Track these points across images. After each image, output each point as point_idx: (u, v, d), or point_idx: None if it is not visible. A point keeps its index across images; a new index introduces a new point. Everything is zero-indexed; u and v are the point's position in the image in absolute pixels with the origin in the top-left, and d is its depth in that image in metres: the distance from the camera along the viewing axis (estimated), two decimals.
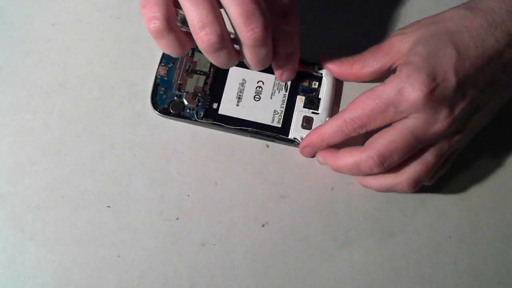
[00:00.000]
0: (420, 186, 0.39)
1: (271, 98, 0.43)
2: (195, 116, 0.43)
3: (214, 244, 0.41)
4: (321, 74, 0.44)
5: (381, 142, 0.36)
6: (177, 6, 0.34)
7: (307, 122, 0.42)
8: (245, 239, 0.42)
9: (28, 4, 0.47)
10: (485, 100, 0.37)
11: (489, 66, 0.36)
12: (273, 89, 0.43)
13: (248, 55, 0.36)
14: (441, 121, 0.35)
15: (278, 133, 0.43)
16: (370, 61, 0.41)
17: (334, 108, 0.44)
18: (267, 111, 0.43)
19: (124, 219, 0.42)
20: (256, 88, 0.43)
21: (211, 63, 0.44)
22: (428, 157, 0.38)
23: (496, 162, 0.44)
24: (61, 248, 0.41)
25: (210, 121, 0.43)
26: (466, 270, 0.41)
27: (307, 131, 0.42)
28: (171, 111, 0.43)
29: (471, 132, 0.39)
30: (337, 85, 0.44)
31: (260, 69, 0.39)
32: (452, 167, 0.43)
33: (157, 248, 0.41)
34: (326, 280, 0.41)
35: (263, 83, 0.44)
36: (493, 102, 0.38)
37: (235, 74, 0.44)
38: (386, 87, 0.36)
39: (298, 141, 0.42)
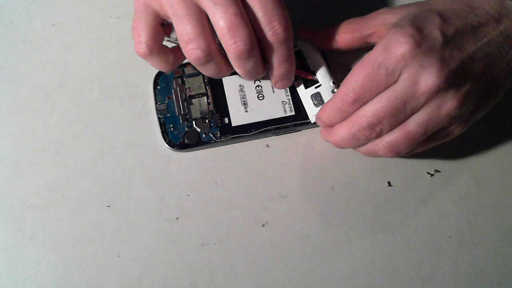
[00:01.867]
0: (401, 154, 0.38)
1: (273, 91, 0.43)
2: (214, 138, 0.42)
3: (214, 244, 0.41)
4: (298, 48, 0.43)
5: (370, 109, 0.36)
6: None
7: (316, 99, 0.42)
8: (245, 239, 0.42)
9: (28, 4, 0.47)
10: (476, 73, 0.37)
11: (474, 35, 0.37)
12: (271, 83, 0.44)
13: (236, 67, 0.38)
14: (428, 78, 0.35)
15: (297, 120, 0.43)
16: (350, 27, 0.41)
17: (335, 67, 0.44)
18: (275, 105, 0.43)
19: (124, 219, 0.42)
20: (256, 87, 0.44)
21: (204, 83, 0.44)
22: (410, 125, 0.37)
23: (496, 162, 0.44)
24: (61, 248, 0.41)
25: (229, 137, 0.42)
26: (466, 270, 0.41)
27: (322, 106, 0.41)
28: (188, 142, 0.42)
29: (465, 113, 0.38)
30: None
31: (254, 79, 0.40)
32: (452, 167, 0.43)
33: (157, 248, 0.41)
34: (326, 280, 0.41)
35: (260, 81, 0.44)
36: (486, 83, 0.37)
37: (231, 83, 0.44)
38: (375, 50, 0.36)
39: None
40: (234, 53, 0.36)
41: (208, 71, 0.39)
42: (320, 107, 0.42)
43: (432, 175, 0.43)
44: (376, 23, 0.40)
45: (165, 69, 0.40)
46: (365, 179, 0.43)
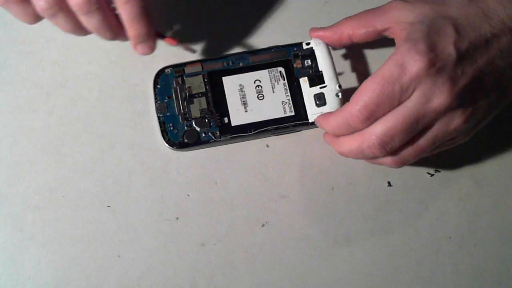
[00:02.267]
0: (406, 164, 0.39)
1: (273, 92, 0.43)
2: (213, 137, 0.42)
3: (214, 244, 0.41)
4: (311, 47, 0.43)
5: (381, 127, 0.36)
6: None
7: (319, 99, 0.42)
8: (245, 239, 0.42)
9: None
10: (486, 87, 0.37)
11: (487, 48, 0.36)
12: (271, 83, 0.43)
13: (83, 23, 0.37)
14: (441, 96, 0.35)
15: (296, 120, 0.43)
16: (365, 22, 0.40)
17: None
18: (275, 105, 0.43)
19: (124, 219, 0.42)
20: (256, 87, 0.43)
21: (204, 82, 0.44)
22: (420, 140, 0.37)
23: (496, 162, 0.44)
24: (61, 248, 0.41)
25: (228, 137, 0.42)
26: (466, 270, 0.41)
27: (324, 107, 0.41)
28: (188, 141, 0.42)
29: (472, 125, 0.38)
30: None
31: (112, 39, 0.39)
32: (452, 167, 0.43)
33: (157, 248, 0.41)
34: (326, 280, 0.41)
35: (260, 81, 0.44)
36: (495, 96, 0.37)
37: (231, 83, 0.43)
38: (388, 65, 0.35)
39: None
40: (72, 5, 0.35)
41: (62, 26, 0.38)
42: (322, 108, 0.41)
43: (432, 175, 0.43)
44: (390, 19, 0.39)
45: (26, 20, 0.38)
46: (365, 179, 0.43)
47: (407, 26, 0.37)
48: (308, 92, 0.42)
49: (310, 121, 0.42)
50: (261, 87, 0.43)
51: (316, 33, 0.42)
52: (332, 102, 0.41)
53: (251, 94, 0.43)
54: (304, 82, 0.43)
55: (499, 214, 0.43)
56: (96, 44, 0.46)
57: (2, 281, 0.40)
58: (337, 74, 0.42)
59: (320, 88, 0.42)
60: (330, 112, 0.39)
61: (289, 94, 0.43)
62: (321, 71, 0.42)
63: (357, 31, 0.40)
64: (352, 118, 0.36)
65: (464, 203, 0.43)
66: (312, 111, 0.42)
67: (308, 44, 0.43)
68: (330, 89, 0.42)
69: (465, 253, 0.42)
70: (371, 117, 0.36)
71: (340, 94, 0.41)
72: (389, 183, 0.43)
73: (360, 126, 0.37)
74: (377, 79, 0.35)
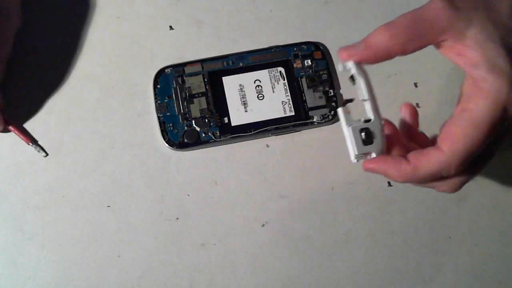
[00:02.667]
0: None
1: (273, 92, 0.43)
2: (213, 137, 0.42)
3: (214, 244, 0.41)
4: (352, 73, 0.33)
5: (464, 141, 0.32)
6: None
7: (367, 136, 0.34)
8: (245, 239, 0.42)
9: None
10: None
11: None
12: (271, 83, 0.44)
13: None
14: None
15: (296, 120, 0.43)
16: (413, 33, 0.32)
17: None
18: (275, 105, 0.43)
19: (124, 219, 0.42)
20: (256, 87, 0.44)
21: (204, 82, 0.44)
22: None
23: (496, 162, 0.44)
24: (61, 248, 0.41)
25: (228, 137, 0.42)
26: (466, 270, 0.41)
27: (371, 145, 0.34)
28: (187, 141, 0.42)
29: None
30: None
31: None
32: None
33: (157, 248, 0.41)
34: (326, 280, 0.41)
35: (260, 81, 0.44)
36: None
37: (231, 83, 0.44)
38: (492, 109, 0.31)
39: (317, 122, 0.42)
40: None
41: None
42: (369, 146, 0.34)
43: None
44: (444, 30, 0.32)
45: None
46: (365, 179, 0.43)
47: (472, 44, 0.32)
48: (351, 125, 0.34)
49: (353, 161, 0.34)
50: (261, 87, 0.43)
51: (348, 53, 0.33)
52: (378, 139, 0.34)
53: (251, 94, 0.43)
54: (346, 113, 0.34)
55: (499, 214, 0.43)
56: (96, 44, 0.46)
57: (2, 281, 0.40)
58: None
59: (364, 121, 0.34)
60: (406, 162, 0.33)
61: (289, 94, 0.43)
62: (363, 101, 0.34)
63: (408, 46, 0.33)
64: (449, 168, 0.32)
65: (464, 203, 0.43)
66: (359, 150, 0.34)
67: (344, 67, 0.34)
68: (375, 124, 0.34)
69: (465, 253, 0.42)
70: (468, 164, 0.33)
71: (384, 129, 0.34)
72: (389, 183, 0.43)
73: (452, 174, 0.33)
74: (484, 126, 0.31)
